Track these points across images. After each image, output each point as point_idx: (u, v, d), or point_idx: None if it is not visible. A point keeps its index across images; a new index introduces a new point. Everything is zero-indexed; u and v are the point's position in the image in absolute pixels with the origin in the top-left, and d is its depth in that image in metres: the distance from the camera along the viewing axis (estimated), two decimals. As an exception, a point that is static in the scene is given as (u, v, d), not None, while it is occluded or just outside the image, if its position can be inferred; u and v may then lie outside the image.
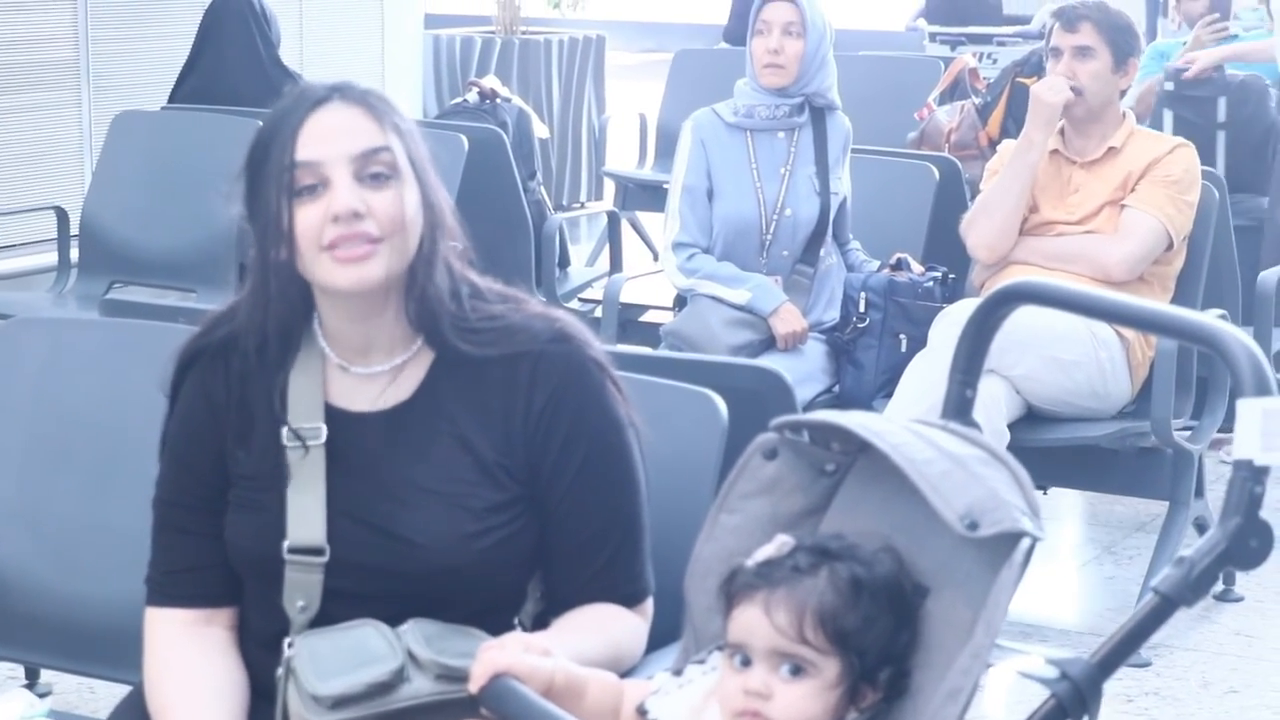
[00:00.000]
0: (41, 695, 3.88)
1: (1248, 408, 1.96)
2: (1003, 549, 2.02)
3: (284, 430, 2.55)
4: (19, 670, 3.79)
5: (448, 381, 2.56)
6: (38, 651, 3.21)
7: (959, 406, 2.33)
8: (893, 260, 5.30)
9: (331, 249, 2.46)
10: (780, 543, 2.16)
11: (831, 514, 2.26)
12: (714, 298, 5.26)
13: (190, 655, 2.58)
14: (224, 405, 2.59)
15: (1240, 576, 5.33)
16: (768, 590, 2.12)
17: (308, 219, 2.46)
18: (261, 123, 2.55)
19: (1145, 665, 4.75)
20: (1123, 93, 5.26)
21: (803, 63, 5.34)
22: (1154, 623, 2.01)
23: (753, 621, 2.11)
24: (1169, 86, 7.10)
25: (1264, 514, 1.96)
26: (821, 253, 5.35)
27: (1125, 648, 2.01)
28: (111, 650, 2.98)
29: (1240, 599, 5.26)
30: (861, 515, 2.23)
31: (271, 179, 2.48)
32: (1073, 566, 5.60)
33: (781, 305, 5.22)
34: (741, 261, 5.31)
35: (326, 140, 2.48)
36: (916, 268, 5.27)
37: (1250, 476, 1.97)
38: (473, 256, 2.61)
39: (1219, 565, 1.98)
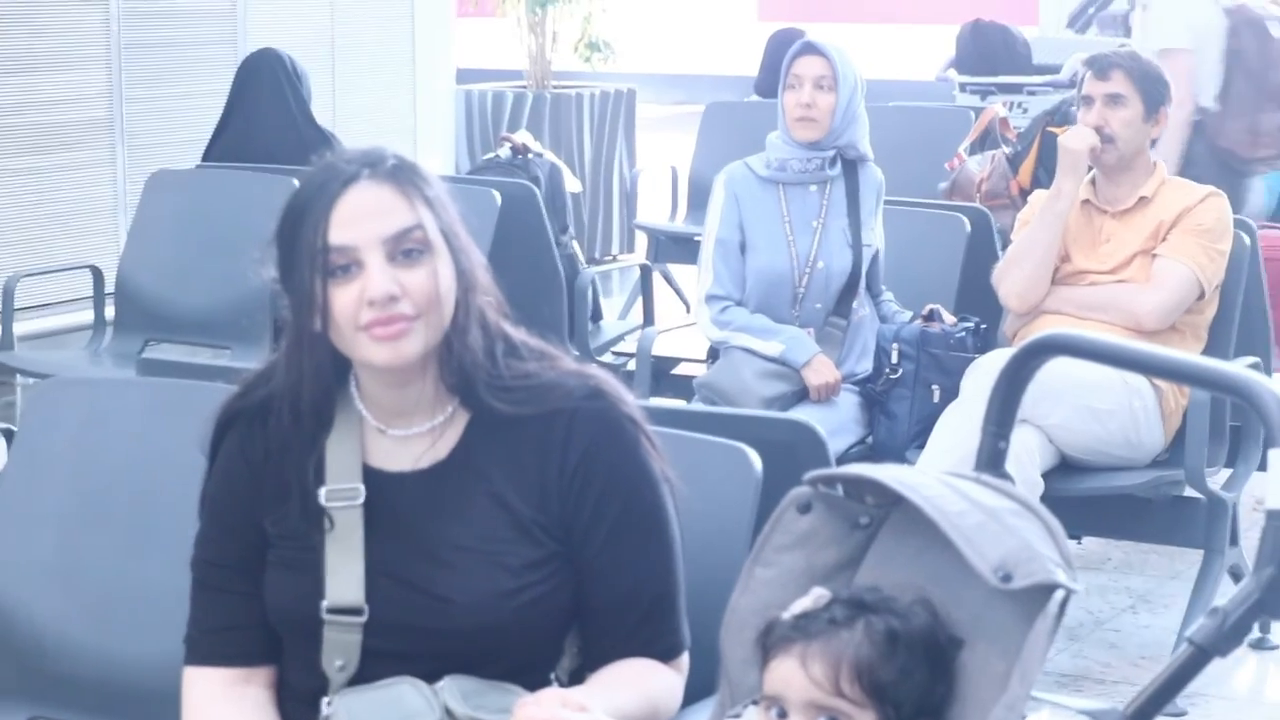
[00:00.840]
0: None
1: (1278, 458, 1.96)
2: (1037, 601, 2.02)
3: (322, 491, 2.56)
4: (57, 728, 3.80)
5: (483, 440, 2.57)
6: (75, 710, 3.21)
7: (992, 458, 2.34)
8: (925, 311, 5.30)
9: (368, 329, 2.48)
10: (816, 595, 2.17)
11: (866, 567, 2.27)
12: (747, 350, 5.27)
13: (228, 714, 2.59)
14: (262, 466, 2.60)
15: (1276, 625, 5.31)
16: (804, 643, 2.12)
17: (343, 300, 2.48)
18: (292, 194, 2.55)
19: (1181, 715, 4.72)
20: (1154, 142, 5.26)
21: (835, 116, 5.35)
22: (1189, 673, 2.01)
23: (789, 674, 2.12)
24: None
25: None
26: (855, 304, 5.36)
27: (1160, 698, 2.01)
28: (148, 710, 2.99)
29: (1276, 647, 5.24)
30: (896, 568, 2.23)
31: (304, 258, 2.49)
32: (1108, 616, 5.58)
33: (815, 357, 5.23)
34: (774, 314, 5.32)
35: (358, 222, 2.48)
36: (949, 318, 5.27)
37: (1283, 526, 1.97)
38: (507, 310, 2.62)
39: (1253, 615, 1.98)
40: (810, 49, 5.42)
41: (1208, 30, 6.88)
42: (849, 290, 5.35)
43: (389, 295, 2.46)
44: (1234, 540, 5.06)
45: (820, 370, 5.23)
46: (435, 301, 2.49)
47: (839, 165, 5.40)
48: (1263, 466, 4.97)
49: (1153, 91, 5.17)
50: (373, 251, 2.47)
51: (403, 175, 2.53)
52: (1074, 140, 5.13)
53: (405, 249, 2.49)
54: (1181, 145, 6.94)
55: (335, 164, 2.54)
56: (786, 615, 2.17)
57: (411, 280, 2.48)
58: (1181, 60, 6.91)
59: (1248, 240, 5.22)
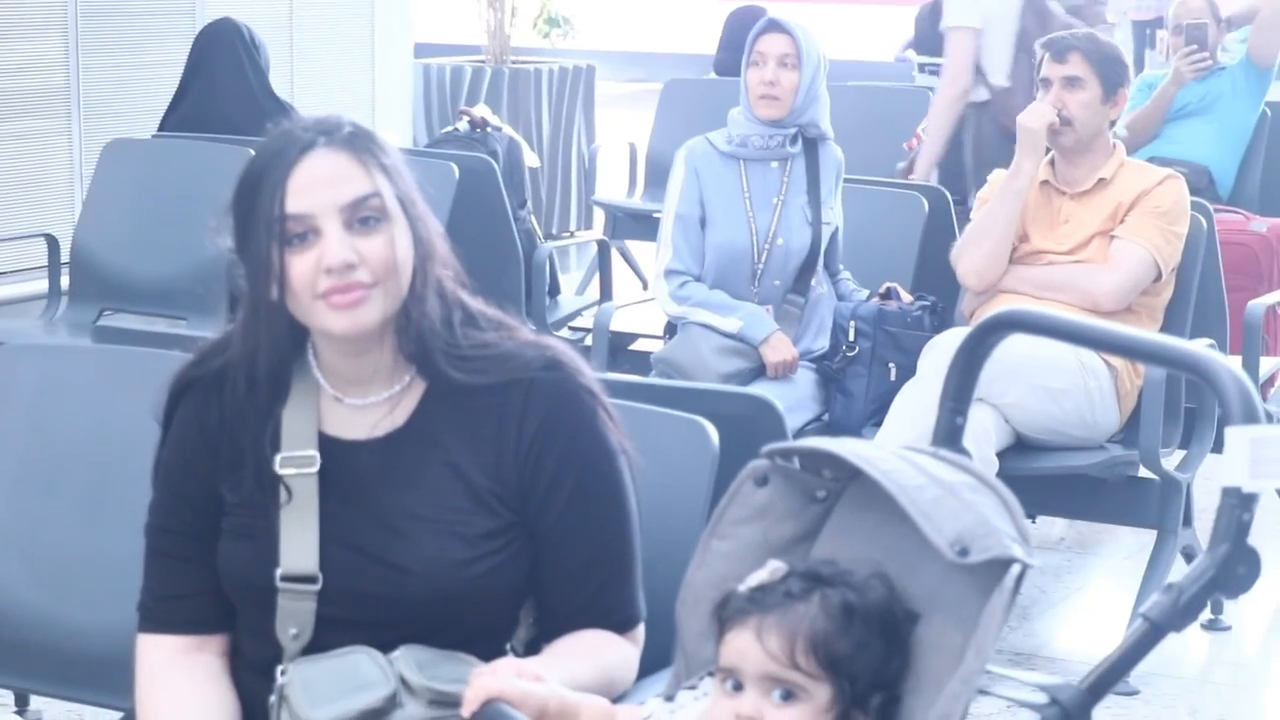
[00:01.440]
0: (31, 722, 3.88)
1: (1236, 435, 1.97)
2: (993, 575, 2.03)
3: (277, 459, 2.55)
4: (9, 697, 3.78)
5: (441, 410, 2.57)
6: (28, 678, 3.21)
7: (949, 433, 2.35)
8: (882, 289, 5.31)
9: (326, 297, 2.48)
10: (773, 568, 2.17)
11: (823, 540, 2.27)
12: (705, 325, 5.27)
13: (181, 682, 2.58)
14: (217, 434, 2.59)
15: (1228, 606, 5.34)
16: (760, 616, 2.12)
17: (300, 268, 2.47)
18: (248, 162, 2.54)
19: (1134, 694, 4.75)
20: (1112, 123, 5.28)
21: (797, 94, 5.35)
22: (1143, 649, 2.02)
23: (745, 647, 2.12)
24: None
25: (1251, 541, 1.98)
26: (813, 282, 5.36)
27: (1114, 673, 2.02)
28: (102, 677, 2.99)
29: (1228, 628, 5.27)
30: (853, 541, 2.24)
31: (261, 226, 2.48)
32: (1061, 594, 5.60)
33: (773, 334, 5.23)
34: (733, 290, 5.32)
35: (315, 190, 2.48)
36: (906, 297, 5.28)
37: (1238, 504, 1.98)
38: (465, 280, 2.61)
39: (1207, 592, 1.99)
40: (775, 26, 5.41)
41: (999, 10, 6.92)
42: (808, 267, 5.35)
43: (346, 263, 2.45)
44: (1187, 521, 5.08)
45: (778, 347, 5.23)
46: (393, 269, 2.49)
47: (800, 143, 5.40)
48: (1217, 448, 5.02)
49: (1110, 74, 5.18)
50: (330, 219, 2.47)
51: (359, 143, 2.52)
52: (1032, 119, 5.13)
53: (362, 216, 2.48)
54: (950, 124, 6.97)
55: (291, 132, 2.52)
56: (743, 588, 2.17)
57: (369, 248, 2.47)
58: (962, 39, 6.95)
59: (1204, 223, 5.24)
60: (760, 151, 5.37)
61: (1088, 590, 5.74)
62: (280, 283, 2.48)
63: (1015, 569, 2.02)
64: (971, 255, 5.20)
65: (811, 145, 5.42)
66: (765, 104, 5.35)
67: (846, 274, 5.52)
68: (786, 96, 5.34)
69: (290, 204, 2.46)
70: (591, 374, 2.62)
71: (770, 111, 5.35)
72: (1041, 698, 2.00)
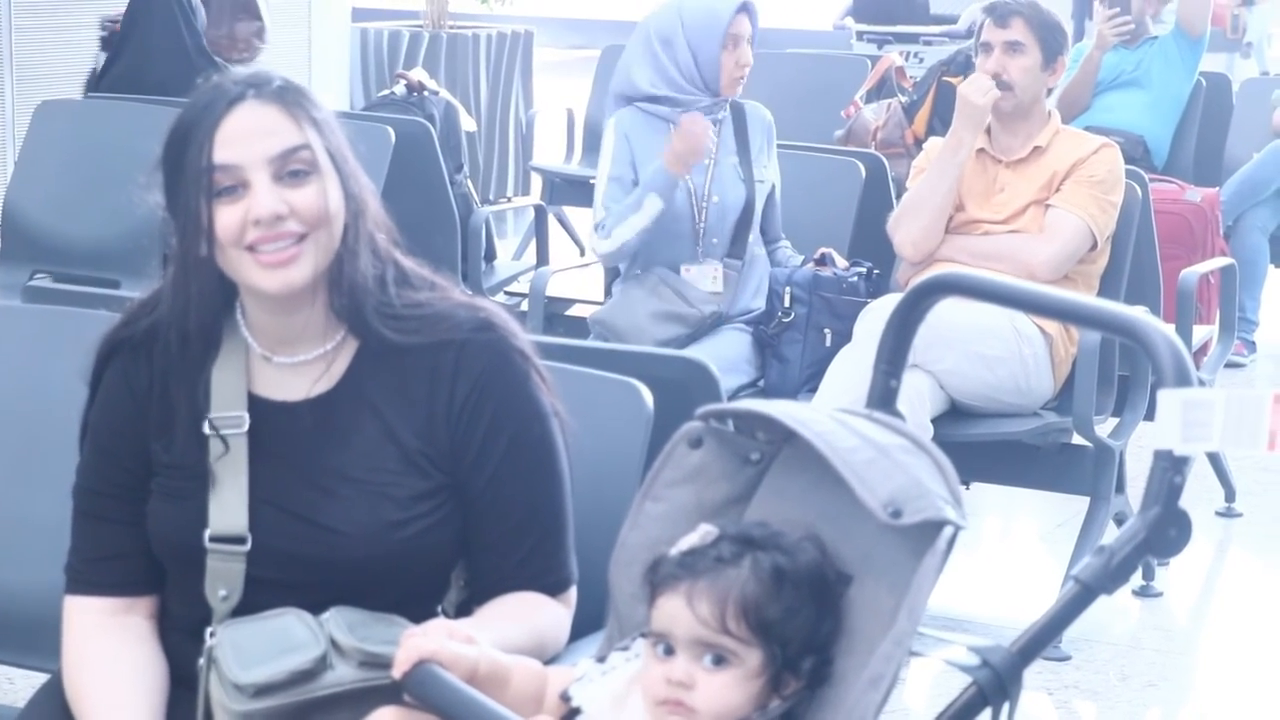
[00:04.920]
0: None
1: (1168, 399, 1.98)
2: (926, 537, 2.03)
3: (206, 419, 2.53)
4: (-63, 660, 3.77)
5: (372, 370, 2.56)
6: (-45, 639, 3.18)
7: (883, 396, 2.35)
8: (817, 254, 5.31)
9: (254, 251, 2.46)
10: (704, 532, 2.17)
11: (756, 503, 2.27)
12: (641, 231, 5.22)
13: (109, 644, 2.56)
14: (146, 395, 2.57)
15: (1159, 573, 5.37)
16: (690, 580, 2.12)
17: (228, 220, 2.45)
18: (177, 116, 2.51)
19: (1065, 659, 4.78)
20: (1049, 91, 5.29)
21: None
22: (1074, 611, 2.02)
23: (675, 612, 2.11)
24: None
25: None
26: (750, 239, 5.36)
27: (1045, 635, 2.03)
28: (30, 639, 2.96)
29: (1159, 595, 5.31)
30: (786, 504, 2.24)
31: (189, 179, 2.46)
32: (994, 561, 5.62)
33: (670, 136, 5.20)
34: (677, 251, 5.31)
35: (243, 142, 2.46)
36: (841, 262, 5.28)
37: (1170, 467, 1.99)
38: (399, 238, 2.60)
39: (1139, 554, 2.00)
40: (745, 9, 5.42)
41: None
42: (743, 225, 5.35)
43: (274, 214, 2.44)
44: (1120, 488, 5.11)
45: (683, 135, 5.14)
46: (324, 219, 2.47)
47: (726, 107, 5.42)
48: (1149, 416, 5.04)
49: (1051, 41, 5.20)
50: (258, 170, 2.45)
51: (289, 96, 2.50)
52: (975, 94, 5.13)
53: (292, 169, 2.47)
54: None
55: (221, 84, 2.51)
56: (674, 552, 2.17)
57: (298, 199, 2.46)
58: None
59: (1140, 191, 5.26)
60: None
61: (1019, 557, 5.77)
62: (209, 237, 2.45)
63: (948, 531, 2.03)
64: (908, 226, 5.20)
65: (737, 107, 5.43)
66: (739, 84, 5.40)
67: (786, 243, 5.52)
68: (747, 76, 5.40)
69: (218, 155, 2.45)
70: (525, 336, 2.61)
71: (737, 90, 5.38)
72: (973, 659, 2.00)
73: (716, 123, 5.38)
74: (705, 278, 5.28)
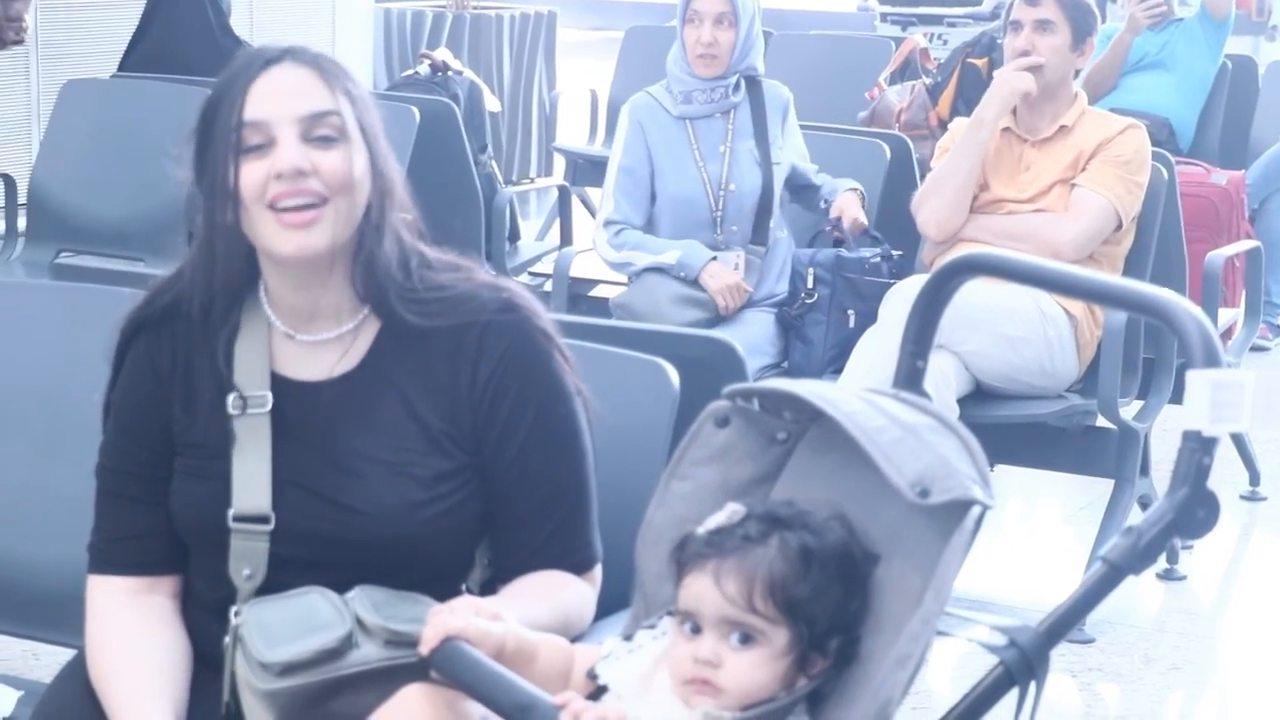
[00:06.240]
0: (-14, 661, 3.87)
1: (1197, 379, 1.97)
2: (953, 517, 2.03)
3: (229, 398, 2.54)
4: (-37, 637, 3.77)
5: (395, 350, 2.55)
6: (-19, 615, 3.19)
7: (910, 376, 2.34)
8: (833, 218, 5.31)
9: (276, 209, 2.45)
10: (731, 511, 2.16)
11: (783, 482, 2.27)
12: (656, 269, 5.25)
13: (131, 623, 2.56)
14: (169, 373, 2.57)
15: (1183, 556, 5.36)
16: (718, 559, 2.11)
17: (253, 175, 2.45)
18: (214, 85, 2.53)
19: (1089, 642, 4.77)
20: (1077, 72, 5.28)
21: (735, 51, 5.37)
22: (1101, 592, 2.02)
23: (703, 590, 2.11)
24: None
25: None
26: (771, 224, 5.36)
27: (1072, 616, 2.02)
28: (57, 615, 2.97)
29: (1183, 578, 5.30)
30: (813, 483, 2.23)
31: (219, 138, 2.47)
32: (1018, 543, 5.62)
33: (709, 262, 5.23)
34: (697, 239, 5.32)
35: (275, 100, 2.47)
36: (852, 221, 5.27)
37: (1198, 447, 1.98)
38: (423, 229, 2.60)
39: (1167, 535, 1.99)
40: None
41: None
42: (764, 211, 5.35)
43: (297, 168, 2.44)
44: (1144, 470, 5.11)
45: (716, 274, 5.23)
46: (347, 185, 2.47)
47: (742, 88, 5.40)
48: (1174, 398, 5.03)
49: (1081, 21, 5.19)
50: (286, 128, 2.46)
51: (326, 64, 2.52)
52: (1018, 80, 5.12)
53: (320, 133, 2.47)
54: None
55: (260, 49, 2.53)
56: (701, 530, 2.16)
57: (324, 160, 2.46)
58: None
59: (1165, 173, 5.24)
60: (705, 108, 5.37)
61: (1043, 539, 5.76)
62: (235, 199, 2.45)
63: (975, 510, 2.02)
64: (932, 204, 5.19)
65: (754, 85, 5.42)
66: (703, 63, 5.38)
67: (817, 172, 5.49)
68: (724, 55, 5.38)
69: (249, 112, 2.46)
70: (548, 316, 2.60)
71: (709, 70, 5.38)
72: (1000, 639, 2.00)
73: (731, 108, 5.37)
74: (727, 267, 5.27)
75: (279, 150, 2.45)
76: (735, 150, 5.35)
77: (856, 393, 2.20)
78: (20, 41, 6.81)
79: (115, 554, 2.61)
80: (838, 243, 5.30)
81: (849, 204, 5.33)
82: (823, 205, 5.45)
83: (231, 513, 2.51)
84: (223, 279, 2.52)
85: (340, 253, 2.50)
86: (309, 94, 2.48)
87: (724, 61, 5.36)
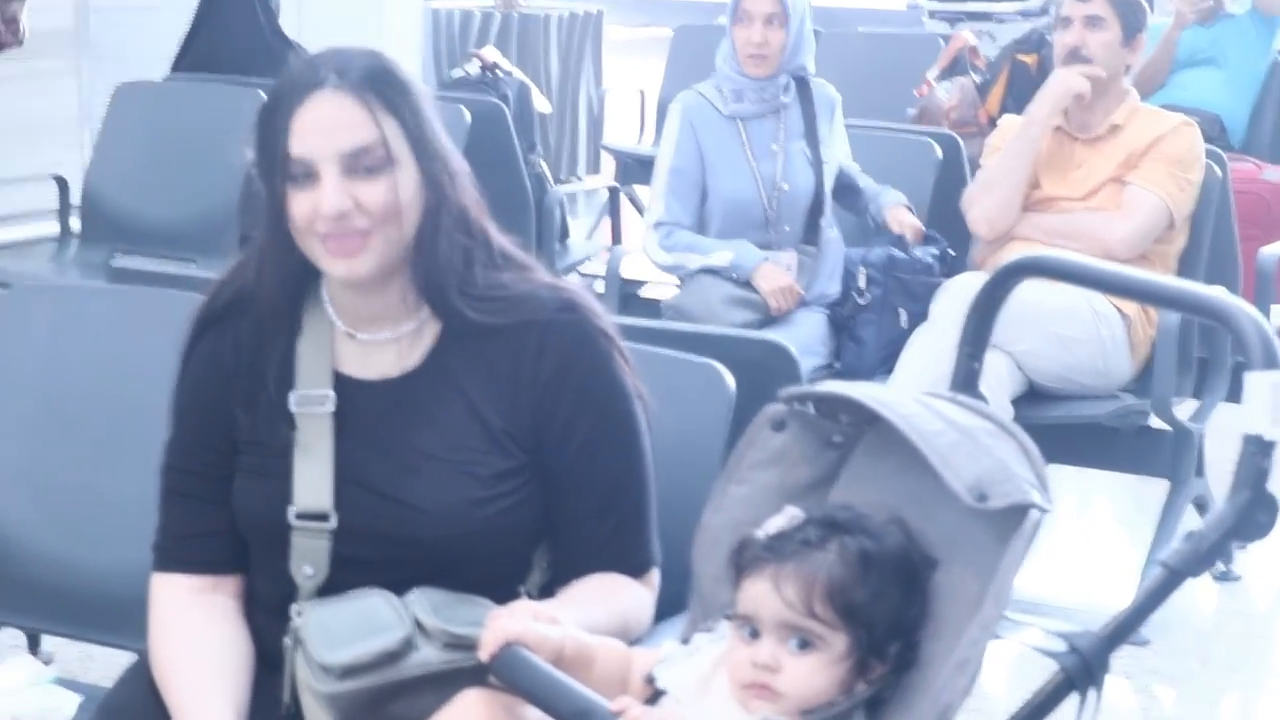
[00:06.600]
0: (44, 663, 3.88)
1: (1257, 381, 1.97)
2: (1012, 521, 2.03)
3: (292, 396, 2.55)
4: (20, 637, 3.79)
5: (456, 349, 2.56)
6: (41, 619, 3.21)
7: (966, 379, 2.35)
8: (895, 235, 5.29)
9: (322, 239, 2.48)
10: (790, 515, 2.17)
11: (840, 486, 2.27)
12: (707, 270, 5.25)
13: (195, 621, 2.58)
14: (233, 371, 2.59)
15: (1238, 556, 5.34)
16: (777, 564, 2.12)
17: (300, 207, 2.47)
18: (271, 89, 2.54)
19: (1145, 644, 4.75)
20: (1128, 69, 5.26)
21: (785, 51, 5.34)
22: (1161, 596, 2.02)
23: (762, 595, 2.11)
24: None
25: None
26: (823, 223, 5.35)
27: (1133, 621, 2.03)
28: (114, 617, 2.99)
29: (1238, 579, 5.27)
30: (870, 487, 2.23)
31: (270, 160, 2.49)
32: (1070, 544, 5.60)
33: (761, 264, 5.22)
34: (749, 239, 5.31)
35: (316, 135, 2.47)
36: (910, 228, 5.27)
37: (1259, 451, 1.98)
38: (488, 214, 2.61)
39: (1228, 539, 1.99)
40: None
41: None
42: (815, 210, 5.34)
43: (340, 212, 2.45)
44: (1199, 471, 5.08)
45: (769, 276, 5.21)
46: (392, 214, 2.48)
47: (792, 88, 5.39)
48: (1229, 398, 5.01)
49: (1131, 17, 5.17)
50: (328, 164, 2.46)
51: (369, 86, 2.49)
52: (1074, 79, 5.10)
53: (366, 164, 2.47)
54: None
55: (309, 65, 2.52)
56: (760, 534, 2.16)
57: (368, 193, 2.47)
58: None
59: (1219, 171, 5.22)
60: (756, 107, 5.35)
61: (1096, 540, 5.74)
62: (285, 213, 2.49)
63: (1034, 515, 2.02)
64: (983, 203, 5.18)
65: (803, 85, 5.40)
66: (754, 63, 5.35)
67: (864, 176, 5.48)
68: (774, 55, 5.34)
69: (293, 146, 2.47)
70: (608, 317, 2.61)
71: (759, 70, 5.35)
72: (1060, 645, 2.00)
73: (781, 107, 5.35)
74: (779, 268, 5.26)
75: (322, 190, 2.46)
76: (788, 150, 5.34)
77: (913, 396, 2.20)
78: (20, 43, 6.80)
79: (179, 552, 2.62)
80: (898, 244, 5.28)
81: (904, 217, 5.32)
82: (871, 222, 5.43)
83: (293, 511, 2.52)
84: (283, 277, 2.55)
85: (397, 263, 2.52)
86: (350, 127, 2.47)
87: (774, 62, 5.34)
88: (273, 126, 2.48)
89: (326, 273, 2.53)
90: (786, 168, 5.33)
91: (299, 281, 2.57)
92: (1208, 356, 5.10)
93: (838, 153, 5.45)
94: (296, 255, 2.53)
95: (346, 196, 2.46)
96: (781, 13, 5.33)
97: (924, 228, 5.33)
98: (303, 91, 2.48)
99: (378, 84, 2.50)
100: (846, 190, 5.48)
